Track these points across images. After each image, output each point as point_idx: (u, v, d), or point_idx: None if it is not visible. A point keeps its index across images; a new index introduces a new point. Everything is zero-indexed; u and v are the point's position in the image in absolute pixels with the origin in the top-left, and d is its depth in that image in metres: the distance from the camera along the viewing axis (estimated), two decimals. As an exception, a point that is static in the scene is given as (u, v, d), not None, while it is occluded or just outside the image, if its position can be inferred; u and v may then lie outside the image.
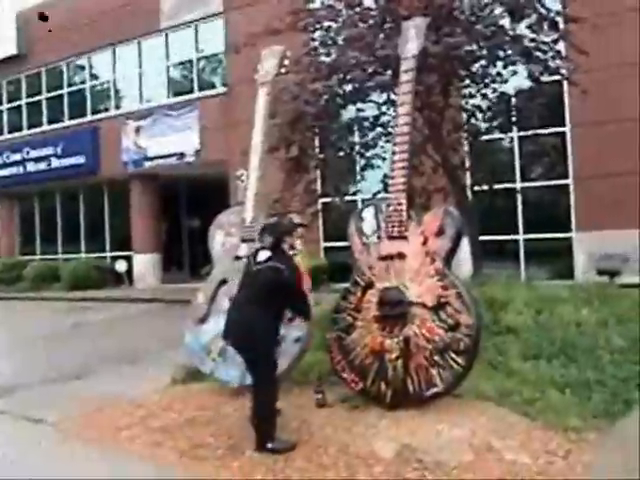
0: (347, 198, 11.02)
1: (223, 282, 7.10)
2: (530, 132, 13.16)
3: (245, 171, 18.35)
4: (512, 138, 14.01)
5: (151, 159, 21.08)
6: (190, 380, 7.57)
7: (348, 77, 8.74)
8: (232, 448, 5.66)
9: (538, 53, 9.60)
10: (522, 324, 7.74)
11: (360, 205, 11.17)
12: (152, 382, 7.78)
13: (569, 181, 14.21)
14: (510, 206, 14.64)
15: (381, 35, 8.82)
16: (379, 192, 10.84)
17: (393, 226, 6.15)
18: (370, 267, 6.25)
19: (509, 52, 9.61)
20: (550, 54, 9.52)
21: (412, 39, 6.55)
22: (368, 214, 6.42)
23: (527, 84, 10.60)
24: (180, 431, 6.10)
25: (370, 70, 8.77)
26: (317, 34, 9.87)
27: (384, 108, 10.53)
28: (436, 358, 5.75)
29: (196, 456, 5.63)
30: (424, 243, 5.99)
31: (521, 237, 14.71)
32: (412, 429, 5.49)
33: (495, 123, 10.99)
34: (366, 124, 10.54)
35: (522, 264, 14.58)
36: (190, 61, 21.15)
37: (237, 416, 6.23)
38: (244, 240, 7.05)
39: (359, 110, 10.54)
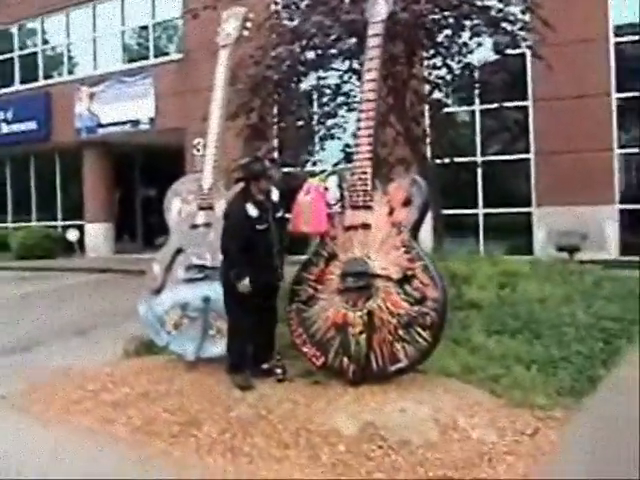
0: (307, 168, 10.72)
1: (179, 251, 6.81)
2: (492, 106, 13.02)
3: (202, 140, 18.08)
4: (474, 111, 13.85)
5: (105, 126, 20.49)
6: (144, 352, 7.29)
7: (311, 43, 8.42)
8: (188, 424, 5.39)
9: (505, 24, 9.42)
10: (485, 299, 7.64)
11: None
12: (104, 354, 7.48)
13: (530, 156, 14.10)
14: (470, 180, 14.50)
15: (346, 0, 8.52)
16: (339, 162, 10.63)
17: (358, 195, 5.91)
18: (333, 237, 6.01)
19: (476, 22, 9.41)
20: (518, 26, 9.33)
21: (380, 3, 6.27)
22: (331, 183, 6.17)
23: (490, 57, 10.48)
24: (133, 406, 5.81)
25: (334, 36, 8.47)
26: (279, -3, 9.55)
27: (346, 77, 10.30)
28: (401, 333, 5.55)
29: (150, 432, 5.36)
30: (390, 214, 5.77)
31: (481, 211, 14.60)
32: (375, 406, 5.29)
33: (458, 96, 10.83)
34: (327, 92, 10.28)
35: (481, 239, 14.50)
36: (146, 27, 20.54)
37: (193, 390, 5.97)
38: (201, 208, 6.75)
39: (320, 78, 10.27)
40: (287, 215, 6.22)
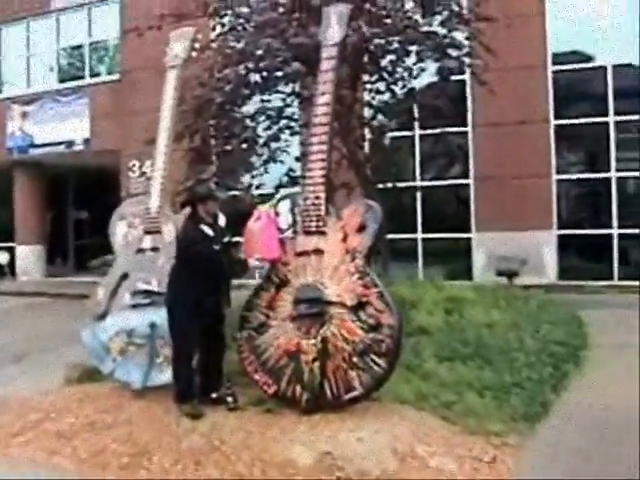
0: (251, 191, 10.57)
1: (125, 276, 6.60)
2: (432, 131, 13.17)
3: (138, 162, 17.78)
4: (413, 136, 13.95)
5: (38, 146, 19.90)
6: (86, 380, 7.01)
7: (260, 65, 8.34)
8: (138, 455, 5.20)
9: (451, 50, 9.53)
10: (434, 325, 7.63)
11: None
12: (42, 382, 7.16)
13: (470, 181, 14.26)
14: (409, 205, 14.57)
15: (294, 23, 8.48)
16: (282, 186, 10.57)
17: (311, 220, 5.82)
18: (285, 263, 5.90)
19: (421, 47, 9.50)
20: (464, 51, 9.45)
21: (334, 26, 6.24)
22: (283, 207, 6.07)
23: (428, 82, 10.57)
24: (79, 436, 5.58)
25: (281, 59, 8.41)
26: (226, 19, 9.43)
27: (289, 100, 10.26)
28: (355, 360, 5.46)
29: (97, 463, 5.17)
30: (344, 239, 5.70)
31: (420, 236, 14.66)
32: (331, 435, 5.17)
33: (398, 120, 10.90)
34: (271, 115, 10.21)
35: (420, 263, 14.55)
36: (81, 46, 20.09)
37: (141, 420, 5.76)
38: (148, 232, 6.57)
39: (263, 101, 10.20)
40: (234, 239, 6.12)
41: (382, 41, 9.42)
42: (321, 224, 5.78)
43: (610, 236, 12.85)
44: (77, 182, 22.55)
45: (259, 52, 8.17)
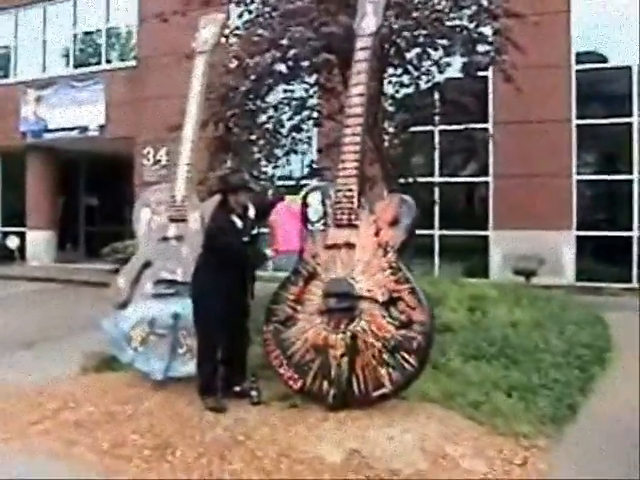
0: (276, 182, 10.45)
1: (147, 264, 6.50)
2: (453, 127, 13.00)
3: (152, 149, 17.66)
4: (433, 131, 13.80)
5: (51, 131, 19.80)
6: (103, 369, 6.95)
7: (289, 53, 8.18)
8: (160, 447, 5.09)
9: (479, 45, 9.38)
10: (458, 322, 7.51)
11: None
12: (56, 370, 7.07)
13: (489, 179, 14.13)
14: (427, 201, 14.42)
15: (323, 12, 8.33)
16: (304, 177, 10.46)
17: (342, 213, 5.70)
18: (314, 256, 5.79)
19: (449, 42, 9.36)
20: (492, 47, 9.30)
21: (369, 15, 6.10)
22: (314, 199, 5.96)
23: (450, 77, 10.44)
24: (99, 427, 5.47)
25: (310, 48, 8.25)
26: (253, 6, 9.29)
27: (311, 91, 10.16)
28: (385, 357, 5.35)
29: (119, 456, 5.04)
30: (376, 234, 5.58)
31: (437, 233, 14.54)
32: (359, 432, 5.08)
33: (420, 115, 10.77)
34: (294, 105, 10.10)
35: (436, 260, 14.44)
36: (98, 31, 20.00)
37: (163, 411, 5.67)
38: (173, 220, 6.45)
39: (286, 91, 10.09)
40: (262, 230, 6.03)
41: (409, 34, 9.28)
42: (353, 217, 5.66)
43: (630, 239, 12.71)
44: (90, 168, 22.46)
45: (288, 41, 8.01)
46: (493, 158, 13.85)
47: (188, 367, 6.07)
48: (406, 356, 5.31)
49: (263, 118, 9.72)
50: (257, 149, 9.90)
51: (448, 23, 9.31)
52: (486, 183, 14.12)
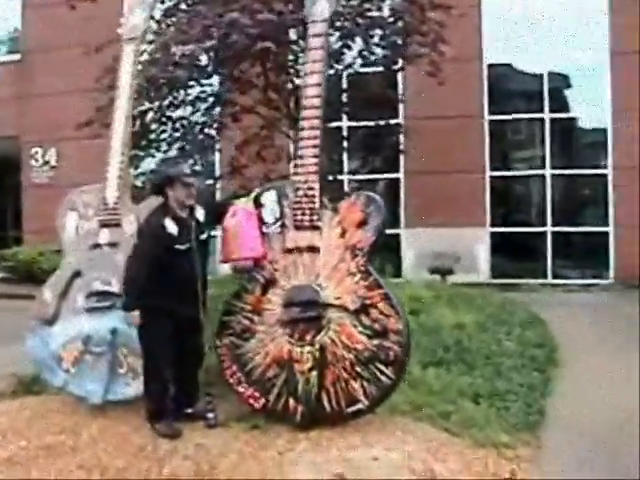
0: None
1: (77, 275, 5.78)
2: (363, 123, 12.66)
3: (40, 149, 16.46)
4: (341, 127, 13.42)
5: None
6: (22, 393, 6.16)
7: (229, 40, 7.53)
8: (114, 484, 4.47)
9: (397, 37, 9.13)
10: (406, 326, 7.16)
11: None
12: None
13: (400, 175, 13.87)
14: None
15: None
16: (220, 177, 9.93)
17: (303, 214, 5.20)
18: (272, 261, 5.27)
19: (370, 33, 9.07)
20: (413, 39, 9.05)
21: (321, 1, 5.64)
22: (268, 199, 5.44)
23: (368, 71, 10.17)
24: (37, 463, 4.75)
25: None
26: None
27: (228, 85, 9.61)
28: (358, 369, 4.90)
29: (69, 498, 4.39)
30: (342, 235, 5.13)
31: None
32: (339, 454, 4.60)
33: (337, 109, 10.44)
34: (209, 100, 9.52)
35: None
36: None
37: (108, 441, 4.99)
38: (105, 225, 5.76)
39: (203, 85, 9.48)
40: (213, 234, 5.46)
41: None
42: (315, 218, 5.17)
43: (544, 234, 12.79)
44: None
45: (226, 28, 7.39)
46: (404, 154, 13.56)
47: (130, 389, 5.42)
48: (382, 368, 4.88)
49: (179, 113, 9.06)
50: (171, 146, 9.21)
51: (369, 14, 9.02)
52: (397, 180, 13.87)
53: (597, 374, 6.63)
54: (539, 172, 12.96)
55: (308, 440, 4.83)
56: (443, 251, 12.59)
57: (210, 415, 5.13)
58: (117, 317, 5.48)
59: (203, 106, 9.39)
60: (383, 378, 4.88)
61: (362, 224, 5.11)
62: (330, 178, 10.29)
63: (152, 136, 8.85)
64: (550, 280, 12.42)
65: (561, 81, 13.19)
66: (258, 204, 5.40)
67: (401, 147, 12.36)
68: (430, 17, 8.92)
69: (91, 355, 5.55)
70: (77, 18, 11.51)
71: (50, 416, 5.48)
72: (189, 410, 5.24)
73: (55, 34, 14.94)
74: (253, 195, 5.49)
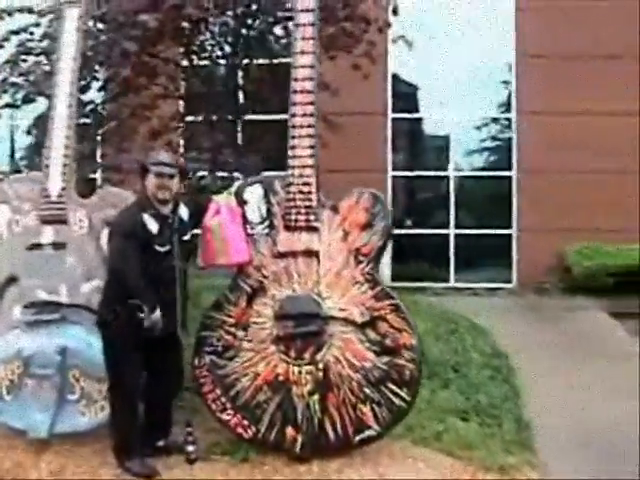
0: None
1: (12, 280, 4.79)
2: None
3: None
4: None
5: None
6: None
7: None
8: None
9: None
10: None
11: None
12: None
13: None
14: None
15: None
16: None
17: (298, 213, 4.55)
18: (259, 267, 4.57)
19: None
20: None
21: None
22: (252, 195, 4.73)
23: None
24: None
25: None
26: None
27: None
28: (367, 391, 4.33)
29: None
30: (344, 238, 4.52)
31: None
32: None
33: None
34: None
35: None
36: None
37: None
38: (47, 221, 4.82)
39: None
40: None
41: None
42: (312, 218, 4.54)
43: (447, 237, 12.59)
44: None
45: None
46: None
47: (84, 419, 4.54)
48: (395, 389, 4.33)
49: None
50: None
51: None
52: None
53: (555, 381, 6.44)
54: (443, 173, 12.76)
55: (310, 473, 4.22)
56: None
57: (190, 448, 4.36)
58: (67, 332, 4.60)
59: None
60: (396, 400, 4.34)
61: (366, 226, 4.53)
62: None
63: None
64: (453, 284, 12.26)
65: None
66: (240, 201, 4.69)
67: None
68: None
69: (33, 379, 4.58)
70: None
71: (-18, 455, 4.49)
72: (160, 443, 4.47)
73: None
74: (233, 189, 4.75)
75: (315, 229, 4.53)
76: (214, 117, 9.07)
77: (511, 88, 12.48)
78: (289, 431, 4.37)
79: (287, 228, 4.57)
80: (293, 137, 4.69)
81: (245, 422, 4.43)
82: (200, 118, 9.26)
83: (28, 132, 9.34)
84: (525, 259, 11.86)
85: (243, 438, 4.45)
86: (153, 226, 4.27)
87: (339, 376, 4.35)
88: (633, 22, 11.29)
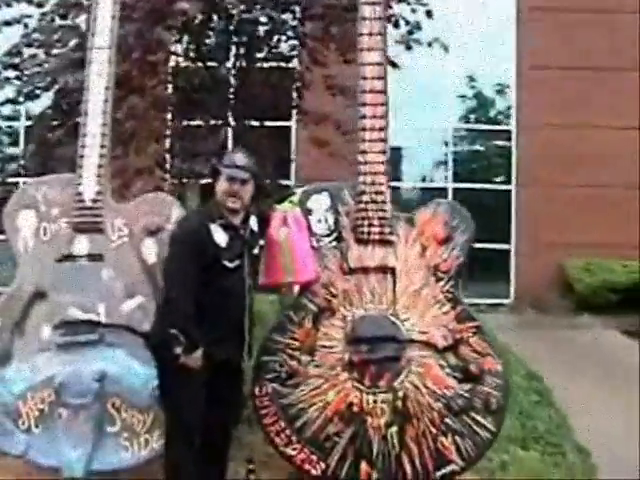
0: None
1: (39, 296, 4.23)
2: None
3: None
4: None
5: None
6: None
7: None
8: None
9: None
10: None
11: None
12: None
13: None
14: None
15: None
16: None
17: (371, 225, 4.11)
18: (326, 285, 4.11)
19: None
20: None
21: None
22: (317, 204, 4.27)
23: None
24: None
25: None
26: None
27: None
28: (449, 422, 3.92)
29: None
30: (422, 254, 4.10)
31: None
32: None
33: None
34: None
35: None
36: None
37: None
38: (81, 230, 4.27)
39: None
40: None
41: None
42: (387, 231, 4.11)
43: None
44: None
45: None
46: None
47: (126, 454, 4.02)
48: (479, 418, 3.94)
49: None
50: None
51: None
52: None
53: (594, 405, 6.15)
54: (441, 185, 12.42)
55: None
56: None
57: (252, 487, 3.88)
58: (105, 356, 4.08)
59: None
60: (481, 431, 3.94)
61: (445, 241, 4.12)
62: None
63: None
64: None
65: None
66: (305, 211, 4.22)
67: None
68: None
69: (67, 409, 4.03)
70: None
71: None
72: (219, 482, 3.95)
73: None
74: (296, 198, 4.28)
75: (390, 243, 4.10)
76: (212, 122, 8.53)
77: (511, 100, 12.27)
78: (363, 467, 3.92)
79: (359, 241, 4.13)
80: (363, 141, 4.23)
81: (313, 457, 3.97)
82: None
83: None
84: (523, 274, 11.58)
85: (311, 475, 3.99)
86: (222, 238, 3.77)
87: (418, 405, 3.93)
88: (633, 35, 11.19)
